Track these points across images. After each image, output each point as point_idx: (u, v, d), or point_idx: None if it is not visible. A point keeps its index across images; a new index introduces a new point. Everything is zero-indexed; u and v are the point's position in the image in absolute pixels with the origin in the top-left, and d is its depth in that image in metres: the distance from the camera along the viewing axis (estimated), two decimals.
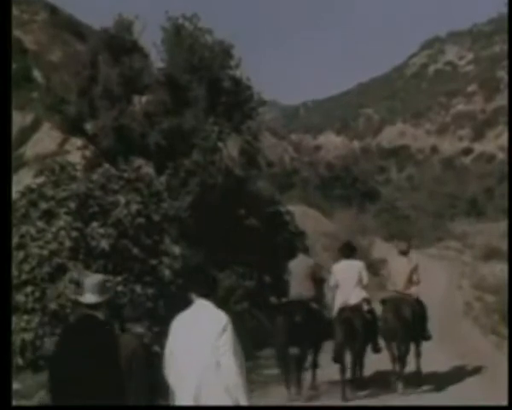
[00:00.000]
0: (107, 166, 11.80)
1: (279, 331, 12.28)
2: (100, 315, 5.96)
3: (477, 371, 15.04)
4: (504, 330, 21.45)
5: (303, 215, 45.30)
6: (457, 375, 14.48)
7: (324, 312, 13.07)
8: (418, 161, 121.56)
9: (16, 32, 21.89)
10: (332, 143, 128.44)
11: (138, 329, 6.97)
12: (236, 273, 17.23)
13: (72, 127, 16.93)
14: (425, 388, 13.00)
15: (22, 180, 17.87)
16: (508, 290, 18.66)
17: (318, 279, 12.94)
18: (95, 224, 10.27)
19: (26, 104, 20.50)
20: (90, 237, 10.09)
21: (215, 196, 17.28)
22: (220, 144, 16.88)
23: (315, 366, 13.08)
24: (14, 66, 17.47)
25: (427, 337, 13.46)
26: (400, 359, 12.51)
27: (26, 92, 20.97)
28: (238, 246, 18.05)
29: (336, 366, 12.51)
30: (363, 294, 12.42)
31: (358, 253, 35.22)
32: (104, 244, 9.98)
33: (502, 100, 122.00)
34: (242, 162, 18.84)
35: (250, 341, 17.04)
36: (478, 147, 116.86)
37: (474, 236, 66.81)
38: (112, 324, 6.32)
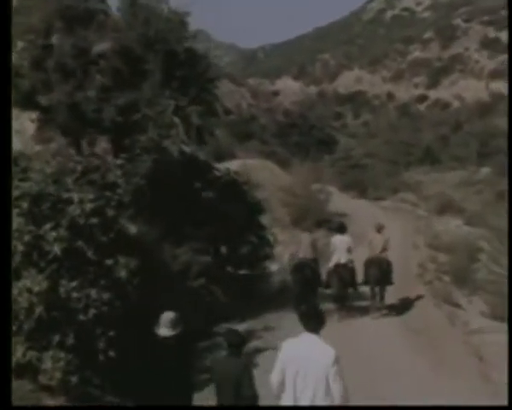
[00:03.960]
0: (60, 158, 11.50)
1: (297, 283, 18.46)
2: (173, 343, 7.86)
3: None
4: (457, 298, 21.85)
5: (260, 169, 45.17)
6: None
7: (318, 269, 18.80)
8: (374, 107, 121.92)
9: None
10: (290, 89, 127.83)
11: None
12: (193, 249, 17.13)
13: (27, 101, 16.47)
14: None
15: None
16: (508, 289, 20.30)
17: (315, 248, 18.79)
18: (47, 226, 10.01)
19: None
20: (42, 241, 9.87)
21: (171, 171, 17.10)
22: (176, 119, 16.61)
23: None
24: None
25: (392, 283, 19.31)
26: (381, 295, 18.91)
27: None
28: (195, 220, 17.96)
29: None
30: (349, 256, 18.62)
31: (316, 208, 37.05)
32: (57, 249, 9.77)
33: (457, 48, 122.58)
34: (200, 111, 18.51)
35: (207, 317, 17.15)
36: (433, 94, 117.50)
37: (429, 185, 67.44)
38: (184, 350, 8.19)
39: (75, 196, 10.40)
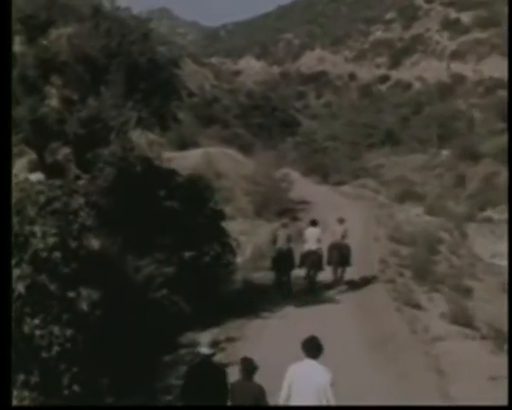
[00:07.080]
0: (23, 185, 11.36)
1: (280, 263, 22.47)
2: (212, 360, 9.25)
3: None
4: (418, 298, 22.09)
5: (223, 158, 45.04)
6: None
7: (294, 254, 22.82)
8: (336, 87, 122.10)
9: None
10: (252, 69, 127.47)
11: None
12: (156, 260, 17.12)
13: None
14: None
15: None
16: (508, 290, 22.19)
17: (290, 239, 22.79)
18: (11, 262, 9.97)
19: None
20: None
21: (133, 182, 17.07)
22: (138, 131, 16.56)
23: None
24: None
25: (351, 265, 23.65)
26: (341, 274, 23.40)
27: None
28: (158, 230, 17.93)
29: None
30: (319, 245, 22.67)
31: (279, 196, 38.75)
32: (20, 288, 9.77)
33: (419, 28, 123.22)
34: (163, 95, 18.35)
35: (170, 328, 17.16)
36: (394, 75, 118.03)
37: (390, 169, 67.82)
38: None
39: (38, 230, 10.36)
